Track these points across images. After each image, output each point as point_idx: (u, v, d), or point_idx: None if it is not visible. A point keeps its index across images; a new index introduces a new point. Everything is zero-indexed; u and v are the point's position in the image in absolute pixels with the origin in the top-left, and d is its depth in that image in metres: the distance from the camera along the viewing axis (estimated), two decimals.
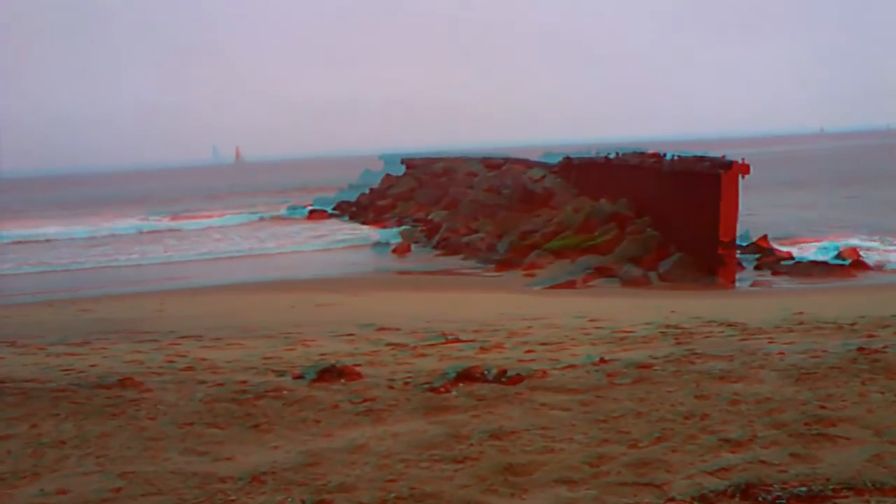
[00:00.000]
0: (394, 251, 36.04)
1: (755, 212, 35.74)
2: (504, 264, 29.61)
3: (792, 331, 11.35)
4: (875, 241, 30.80)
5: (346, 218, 54.85)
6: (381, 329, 13.58)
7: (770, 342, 9.94)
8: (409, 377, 8.29)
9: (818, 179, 62.70)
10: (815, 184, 58.00)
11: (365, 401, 7.27)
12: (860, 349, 8.42)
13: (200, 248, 39.05)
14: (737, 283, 23.77)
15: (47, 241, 46.44)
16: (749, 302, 19.14)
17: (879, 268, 25.98)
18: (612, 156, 40.39)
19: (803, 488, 4.59)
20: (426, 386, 7.71)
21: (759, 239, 29.73)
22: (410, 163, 69.29)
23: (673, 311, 15.05)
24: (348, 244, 40.16)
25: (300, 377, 8.44)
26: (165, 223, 55.83)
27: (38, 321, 17.58)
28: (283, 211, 61.19)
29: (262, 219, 55.36)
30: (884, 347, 8.56)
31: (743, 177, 23.92)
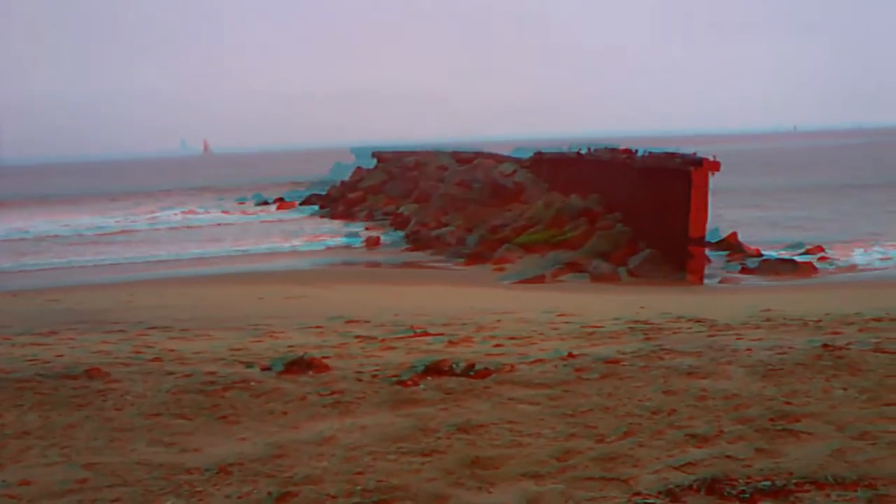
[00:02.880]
0: (364, 244, 36.05)
1: (724, 212, 35.95)
2: (473, 258, 29.60)
3: (759, 327, 11.44)
4: (845, 242, 30.94)
5: (317, 209, 54.72)
6: (350, 322, 13.55)
7: (738, 338, 10.02)
8: (377, 370, 8.29)
9: (791, 181, 62.96)
10: (786, 187, 58.13)
11: (333, 393, 7.26)
12: (825, 346, 8.51)
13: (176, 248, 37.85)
14: (705, 280, 23.91)
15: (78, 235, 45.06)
16: (717, 298, 19.27)
17: (845, 266, 26.22)
18: (584, 151, 40.51)
19: (767, 483, 4.64)
20: (394, 379, 7.71)
21: (729, 236, 29.92)
22: (381, 156, 69.26)
23: (642, 307, 15.12)
24: (318, 237, 39.98)
25: (268, 369, 8.41)
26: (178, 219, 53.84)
27: (4, 311, 17.42)
28: (251, 207, 60.43)
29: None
30: (847, 344, 8.65)
31: (713, 174, 24.05)
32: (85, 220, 54.06)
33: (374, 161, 68.38)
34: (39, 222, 52.53)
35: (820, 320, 11.75)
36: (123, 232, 46.18)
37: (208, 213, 56.80)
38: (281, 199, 61.49)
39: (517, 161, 54.89)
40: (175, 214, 56.37)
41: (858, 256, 27.76)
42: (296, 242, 38.12)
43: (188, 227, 48.78)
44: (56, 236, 44.77)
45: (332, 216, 49.82)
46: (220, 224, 49.43)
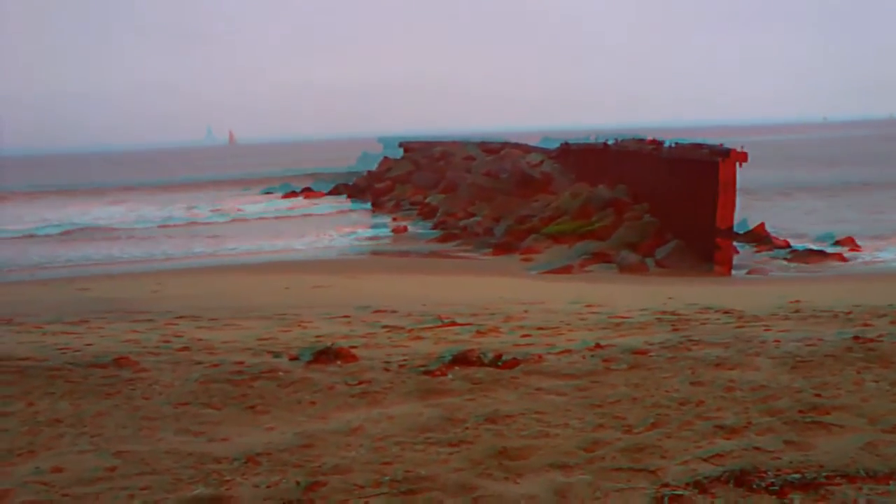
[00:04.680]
0: (392, 231, 36.26)
1: (752, 203, 35.63)
2: (501, 248, 29.58)
3: (788, 319, 11.36)
4: (876, 236, 30.53)
5: (344, 199, 54.87)
6: (378, 311, 13.57)
7: (766, 330, 9.96)
8: (405, 360, 8.30)
9: (820, 175, 62.19)
10: (814, 181, 57.38)
11: (360, 383, 7.28)
12: (855, 338, 8.44)
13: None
14: (733, 271, 23.78)
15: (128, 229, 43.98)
16: (745, 289, 19.16)
17: (877, 258, 25.96)
18: (611, 142, 40.41)
19: (797, 475, 4.60)
20: (422, 369, 7.72)
21: (757, 227, 29.73)
22: (409, 146, 69.43)
23: (669, 298, 15.06)
24: (345, 227, 39.99)
25: (296, 358, 8.44)
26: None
27: (34, 299, 17.57)
28: (277, 197, 60.13)
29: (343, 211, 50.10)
30: (879, 336, 8.57)
31: (741, 164, 23.91)
32: (113, 211, 54.28)
33: (402, 151, 68.47)
34: (71, 212, 52.67)
35: (850, 312, 11.64)
36: (161, 227, 44.96)
37: (238, 209, 55.30)
38: (308, 190, 61.54)
39: (544, 151, 54.86)
40: (195, 210, 55.12)
41: (890, 249, 27.46)
42: (323, 233, 38.12)
43: (218, 222, 47.61)
44: (84, 229, 44.44)
45: (374, 209, 48.99)
46: (242, 220, 48.09)
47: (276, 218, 47.30)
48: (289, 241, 35.78)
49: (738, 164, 23.83)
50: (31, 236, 41.80)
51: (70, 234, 42.36)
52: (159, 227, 44.82)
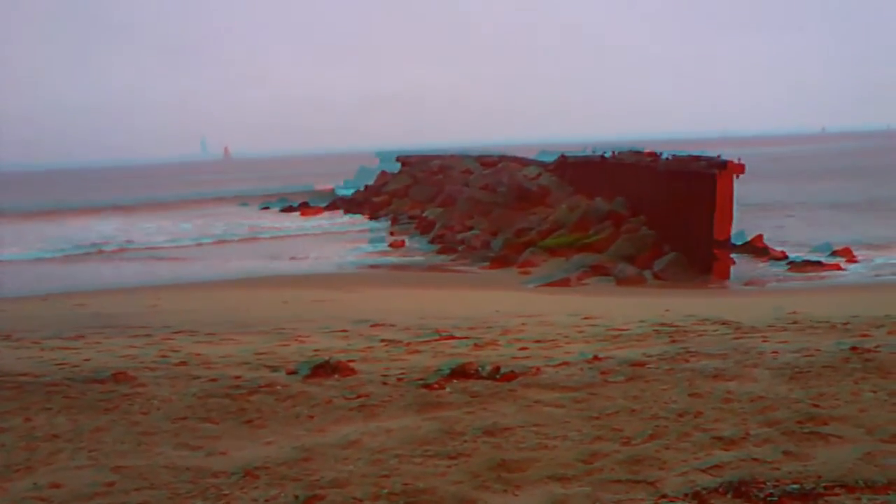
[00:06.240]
0: (390, 245, 36.30)
1: (749, 216, 35.64)
2: (499, 262, 29.59)
3: (785, 329, 11.36)
4: (873, 246, 30.54)
5: (342, 213, 54.87)
6: (376, 325, 13.57)
7: (764, 341, 9.96)
8: (403, 373, 8.30)
9: (819, 188, 62.24)
10: (810, 195, 57.37)
11: (358, 396, 7.28)
12: (853, 348, 8.44)
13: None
14: (731, 282, 23.79)
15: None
16: (743, 301, 19.16)
17: (874, 268, 25.97)
18: (608, 154, 40.48)
19: (795, 486, 4.60)
20: (420, 382, 7.72)
21: (754, 238, 29.76)
22: (406, 160, 69.58)
23: (667, 310, 15.05)
24: (343, 243, 39.93)
25: (294, 373, 8.44)
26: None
27: (33, 315, 17.55)
28: (275, 213, 59.83)
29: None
30: (876, 347, 8.58)
31: (738, 176, 23.98)
32: (112, 230, 54.08)
33: (399, 165, 68.58)
34: (70, 232, 52.27)
35: (848, 323, 11.64)
36: (160, 248, 44.03)
37: (237, 225, 54.41)
38: (305, 205, 61.44)
39: (541, 164, 54.97)
40: (195, 227, 54.00)
41: (888, 260, 27.47)
42: (320, 248, 38.07)
43: (220, 240, 46.50)
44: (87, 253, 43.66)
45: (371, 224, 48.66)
46: (242, 238, 47.07)
47: (273, 238, 46.85)
48: (287, 255, 35.72)
49: (735, 176, 23.90)
50: (34, 260, 41.24)
51: (73, 256, 41.83)
52: (157, 248, 44.32)
